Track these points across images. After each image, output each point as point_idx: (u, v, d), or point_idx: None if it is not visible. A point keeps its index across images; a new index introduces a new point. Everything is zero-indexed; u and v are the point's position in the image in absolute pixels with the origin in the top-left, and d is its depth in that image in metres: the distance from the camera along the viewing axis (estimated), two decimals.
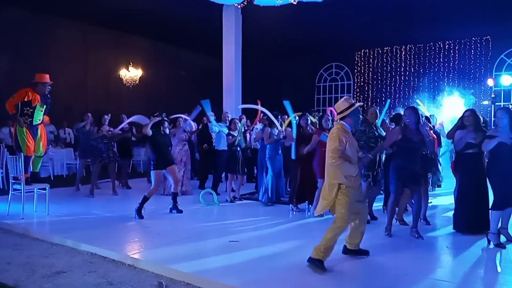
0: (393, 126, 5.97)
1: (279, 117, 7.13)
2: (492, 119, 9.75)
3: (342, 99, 4.12)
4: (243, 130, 7.48)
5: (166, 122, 6.32)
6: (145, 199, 6.03)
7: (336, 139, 3.86)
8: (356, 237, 4.21)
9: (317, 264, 3.79)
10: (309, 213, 6.31)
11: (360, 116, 4.31)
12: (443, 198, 7.59)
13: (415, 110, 4.93)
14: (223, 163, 7.85)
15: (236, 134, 7.26)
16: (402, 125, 5.03)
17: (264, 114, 7.44)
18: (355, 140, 4.09)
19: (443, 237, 5.11)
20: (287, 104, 6.50)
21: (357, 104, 4.06)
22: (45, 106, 6.45)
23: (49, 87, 6.43)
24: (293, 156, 6.31)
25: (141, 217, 5.97)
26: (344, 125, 3.97)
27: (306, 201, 6.50)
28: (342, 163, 3.82)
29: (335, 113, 4.43)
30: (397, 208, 5.48)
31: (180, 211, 6.39)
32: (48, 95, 6.48)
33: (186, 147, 8.08)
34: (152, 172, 6.15)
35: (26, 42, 11.59)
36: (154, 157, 6.14)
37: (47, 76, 6.44)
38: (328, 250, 3.82)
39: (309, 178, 6.27)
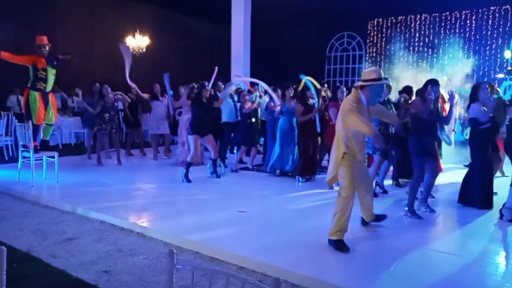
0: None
1: (290, 88, 6.98)
2: (507, 92, 9.52)
3: (372, 68, 3.82)
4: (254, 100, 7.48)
5: (205, 90, 6.51)
6: (189, 165, 6.46)
7: (345, 110, 3.64)
8: (366, 209, 4.19)
9: (336, 246, 3.65)
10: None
11: (382, 95, 4.03)
12: (447, 173, 7.51)
13: (438, 84, 4.65)
14: (228, 135, 7.86)
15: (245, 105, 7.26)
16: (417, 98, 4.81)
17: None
18: (366, 114, 3.78)
19: (449, 211, 5.06)
20: (307, 80, 6.36)
21: (384, 81, 3.74)
22: (54, 70, 6.40)
23: (46, 49, 6.29)
24: (318, 129, 6.31)
25: (188, 181, 6.37)
26: (360, 94, 3.70)
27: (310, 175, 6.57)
28: (359, 117, 3.52)
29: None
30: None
31: (218, 176, 6.76)
32: (55, 60, 6.37)
33: None
34: (190, 137, 6.51)
35: (31, 9, 11.40)
36: (192, 123, 6.48)
37: (44, 38, 6.33)
38: (342, 227, 3.68)
39: (315, 152, 6.57)
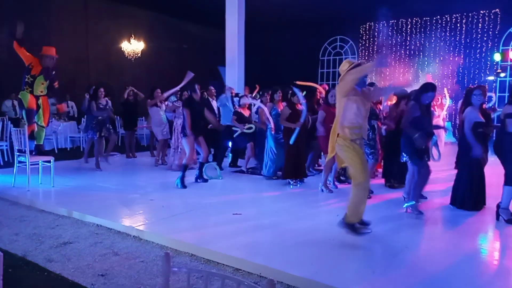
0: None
1: (279, 92, 6.98)
2: (497, 94, 9.66)
3: (347, 59, 4.03)
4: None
5: (197, 91, 6.48)
6: (185, 167, 6.35)
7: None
8: None
9: (350, 228, 3.86)
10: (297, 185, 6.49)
11: (367, 78, 4.06)
12: (439, 174, 7.59)
13: (434, 87, 4.70)
14: (226, 139, 7.93)
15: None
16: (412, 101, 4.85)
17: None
18: (362, 97, 3.92)
19: (442, 212, 5.13)
20: (297, 90, 6.36)
21: (356, 65, 3.83)
22: (47, 82, 6.44)
23: (52, 60, 6.40)
24: (291, 142, 6.08)
25: (184, 186, 6.23)
26: None
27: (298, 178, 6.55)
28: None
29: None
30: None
31: (205, 180, 6.71)
32: (52, 71, 6.44)
33: None
34: (184, 139, 6.40)
35: (26, 13, 11.40)
36: (186, 125, 6.37)
37: (53, 50, 6.42)
38: (356, 214, 3.85)
39: (302, 155, 6.45)
